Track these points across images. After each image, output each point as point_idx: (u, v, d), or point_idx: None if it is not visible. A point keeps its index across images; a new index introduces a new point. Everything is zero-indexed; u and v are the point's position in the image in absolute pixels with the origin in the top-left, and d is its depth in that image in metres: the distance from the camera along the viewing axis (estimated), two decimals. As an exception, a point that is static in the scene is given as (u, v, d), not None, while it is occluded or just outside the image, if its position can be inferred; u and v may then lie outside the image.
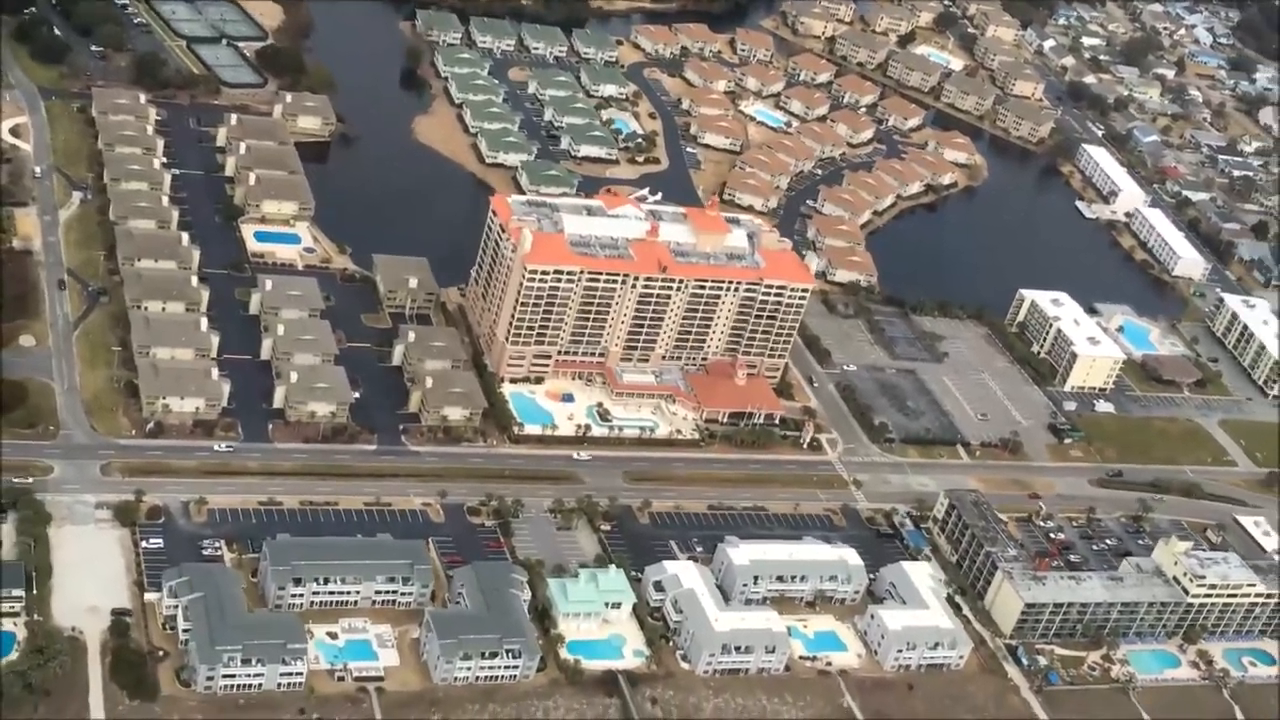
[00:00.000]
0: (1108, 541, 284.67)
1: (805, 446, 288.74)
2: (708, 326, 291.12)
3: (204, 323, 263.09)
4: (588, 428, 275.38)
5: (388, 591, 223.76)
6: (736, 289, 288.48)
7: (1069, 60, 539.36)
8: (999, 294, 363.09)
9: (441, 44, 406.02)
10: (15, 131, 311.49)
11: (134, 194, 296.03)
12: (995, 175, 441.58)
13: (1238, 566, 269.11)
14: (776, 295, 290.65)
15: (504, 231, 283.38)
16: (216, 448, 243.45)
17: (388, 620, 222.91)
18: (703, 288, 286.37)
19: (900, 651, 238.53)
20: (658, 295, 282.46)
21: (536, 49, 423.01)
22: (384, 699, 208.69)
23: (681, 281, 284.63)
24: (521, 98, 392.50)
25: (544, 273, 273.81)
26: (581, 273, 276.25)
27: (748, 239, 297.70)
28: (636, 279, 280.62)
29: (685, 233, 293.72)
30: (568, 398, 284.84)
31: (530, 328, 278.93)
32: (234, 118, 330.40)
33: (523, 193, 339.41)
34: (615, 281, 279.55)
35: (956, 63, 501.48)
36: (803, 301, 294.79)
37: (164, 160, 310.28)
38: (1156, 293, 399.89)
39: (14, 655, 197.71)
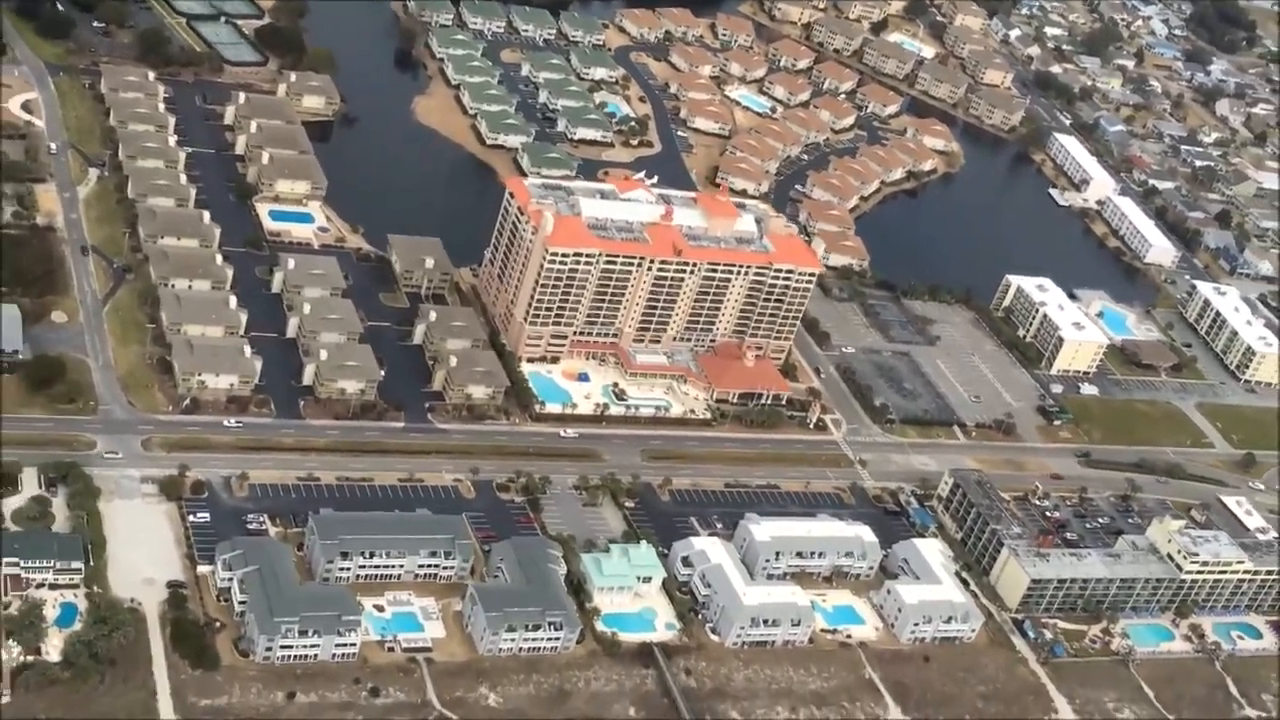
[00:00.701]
0: (1100, 520, 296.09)
1: (812, 427, 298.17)
2: (718, 309, 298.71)
3: (233, 300, 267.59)
4: (606, 407, 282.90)
5: (430, 565, 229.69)
6: (746, 272, 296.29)
7: (1034, 50, 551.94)
8: (980, 278, 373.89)
9: (435, 25, 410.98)
10: (27, 107, 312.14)
11: (151, 172, 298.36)
12: (971, 162, 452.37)
13: (1228, 544, 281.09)
14: (785, 279, 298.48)
15: (522, 214, 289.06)
16: (226, 423, 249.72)
17: (430, 593, 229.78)
18: (714, 271, 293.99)
19: (916, 625, 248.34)
20: (672, 278, 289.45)
21: (526, 31, 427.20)
22: (433, 669, 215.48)
23: (695, 265, 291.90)
24: (515, 79, 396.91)
25: (564, 255, 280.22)
26: (600, 255, 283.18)
27: (756, 224, 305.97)
28: (652, 262, 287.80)
29: (696, 217, 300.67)
30: (583, 377, 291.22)
31: (549, 308, 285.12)
32: (242, 96, 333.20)
33: (524, 174, 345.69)
34: (632, 264, 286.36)
35: (928, 51, 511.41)
36: (809, 285, 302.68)
37: (176, 138, 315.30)
38: (1129, 279, 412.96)
39: (78, 626, 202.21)
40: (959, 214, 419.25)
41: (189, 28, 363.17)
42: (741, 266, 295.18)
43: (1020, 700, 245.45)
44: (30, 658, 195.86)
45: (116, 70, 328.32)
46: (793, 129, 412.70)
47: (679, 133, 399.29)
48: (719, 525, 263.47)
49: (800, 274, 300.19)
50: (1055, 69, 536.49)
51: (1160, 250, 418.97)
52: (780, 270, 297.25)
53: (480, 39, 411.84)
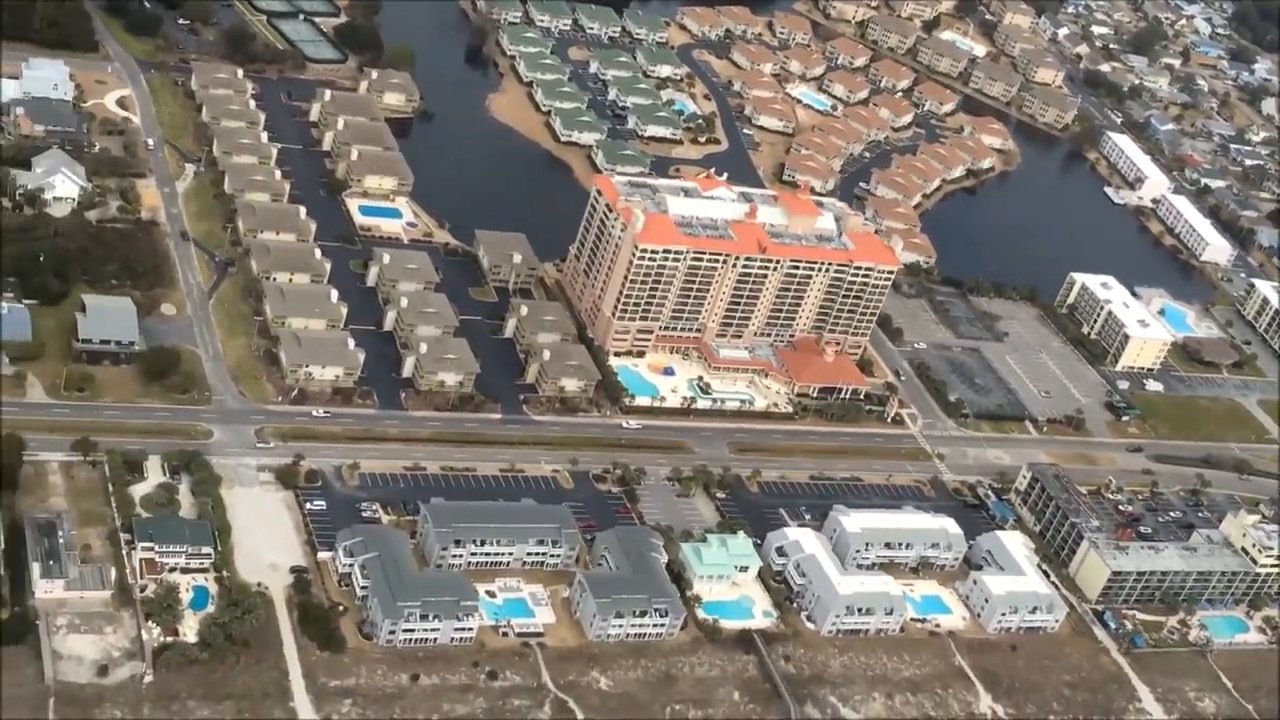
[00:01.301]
0: (1171, 514, 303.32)
1: (889, 421, 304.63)
2: (798, 305, 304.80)
3: (334, 294, 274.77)
4: (693, 400, 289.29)
5: (538, 553, 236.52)
6: (827, 270, 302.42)
7: (1083, 49, 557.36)
8: (1041, 275, 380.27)
9: (504, 23, 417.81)
10: (122, 103, 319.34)
11: (246, 167, 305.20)
12: (1027, 161, 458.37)
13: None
14: (864, 276, 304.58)
15: (611, 210, 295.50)
16: (315, 413, 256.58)
17: (538, 580, 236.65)
18: (796, 268, 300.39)
19: (1003, 615, 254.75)
20: (755, 274, 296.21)
21: (592, 29, 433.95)
22: (546, 654, 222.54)
23: (777, 262, 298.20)
24: (584, 77, 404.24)
25: (653, 252, 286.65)
26: (687, 252, 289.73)
27: (835, 222, 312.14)
28: (737, 259, 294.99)
29: (778, 215, 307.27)
30: (668, 371, 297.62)
31: (636, 304, 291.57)
32: (327, 93, 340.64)
33: (599, 171, 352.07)
34: (717, 261, 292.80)
35: (979, 49, 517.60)
36: (888, 282, 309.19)
37: (267, 134, 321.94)
38: (1185, 277, 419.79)
39: (211, 608, 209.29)
40: (1017, 212, 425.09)
41: (270, 25, 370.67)
42: (822, 264, 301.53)
43: (1104, 689, 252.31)
44: (169, 638, 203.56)
45: (206, 67, 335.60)
46: (855, 127, 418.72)
47: (744, 130, 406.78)
48: (807, 516, 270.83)
49: (879, 271, 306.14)
50: (1104, 68, 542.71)
51: (1216, 248, 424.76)
52: (860, 268, 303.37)
53: (548, 36, 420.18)
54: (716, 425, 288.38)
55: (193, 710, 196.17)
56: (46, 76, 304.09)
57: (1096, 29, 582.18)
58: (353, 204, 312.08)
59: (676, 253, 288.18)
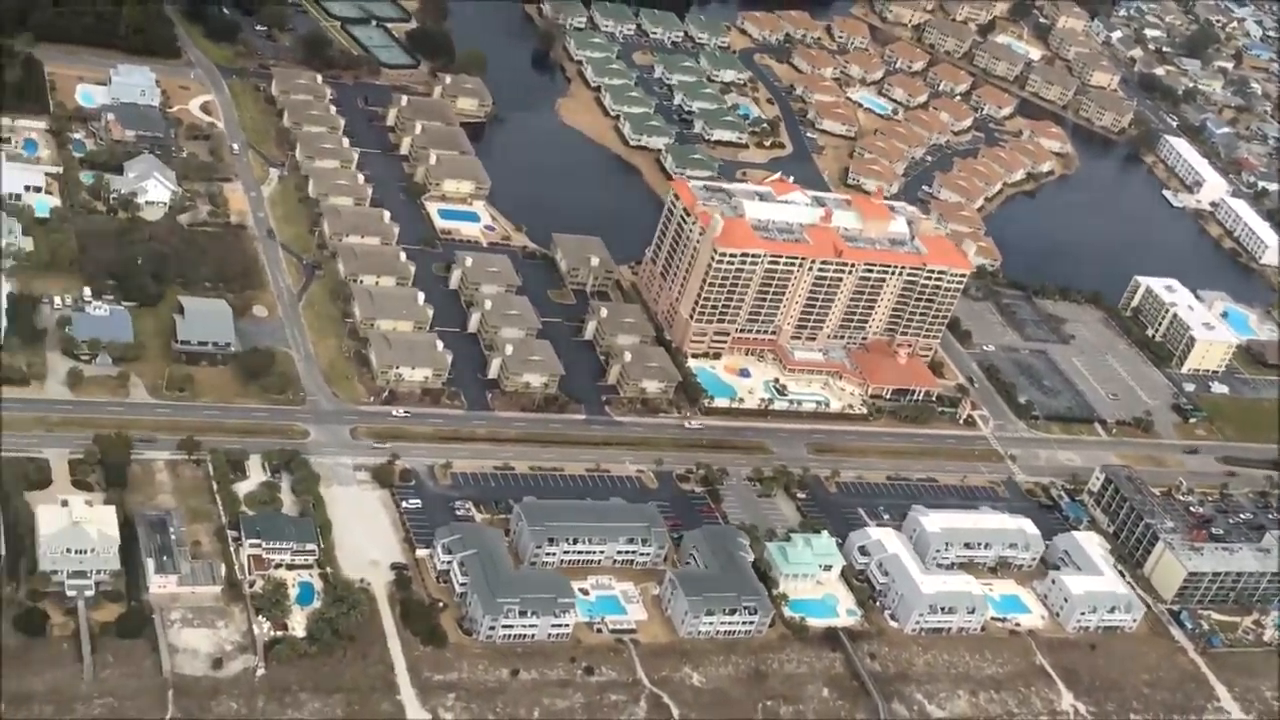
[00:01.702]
0: (1241, 515, 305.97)
1: (961, 422, 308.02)
2: (872, 308, 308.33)
3: (420, 296, 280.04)
4: (770, 401, 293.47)
5: (628, 551, 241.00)
6: (901, 273, 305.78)
7: (1136, 52, 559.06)
8: (1103, 278, 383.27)
9: (570, 28, 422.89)
10: (206, 109, 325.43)
11: (329, 172, 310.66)
12: (1085, 164, 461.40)
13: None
14: (937, 280, 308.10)
15: (688, 214, 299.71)
16: (395, 413, 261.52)
17: (628, 578, 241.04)
18: (870, 271, 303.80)
19: (1082, 614, 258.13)
20: (830, 278, 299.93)
21: (655, 34, 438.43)
22: (640, 650, 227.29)
23: (852, 265, 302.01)
24: (649, 81, 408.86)
25: (732, 255, 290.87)
26: (764, 256, 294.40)
27: (908, 225, 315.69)
28: (813, 262, 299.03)
29: (852, 218, 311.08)
30: (744, 373, 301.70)
31: (714, 306, 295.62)
32: (403, 98, 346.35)
33: (668, 175, 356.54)
34: (793, 264, 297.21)
35: (1034, 53, 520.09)
36: (960, 286, 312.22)
37: (347, 139, 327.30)
38: (1245, 280, 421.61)
39: (317, 604, 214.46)
40: (1077, 215, 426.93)
41: (344, 31, 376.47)
42: (896, 267, 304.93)
43: (1183, 688, 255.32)
44: (279, 633, 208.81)
45: (286, 73, 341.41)
46: (916, 130, 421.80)
47: (807, 134, 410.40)
48: (885, 516, 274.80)
49: (952, 275, 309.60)
50: (1158, 71, 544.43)
51: (1276, 251, 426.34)
52: (933, 271, 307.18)
53: (613, 41, 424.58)
54: (793, 426, 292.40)
55: (304, 703, 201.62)
56: (134, 83, 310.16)
57: (1149, 32, 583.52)
58: (432, 207, 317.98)
59: (754, 256, 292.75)
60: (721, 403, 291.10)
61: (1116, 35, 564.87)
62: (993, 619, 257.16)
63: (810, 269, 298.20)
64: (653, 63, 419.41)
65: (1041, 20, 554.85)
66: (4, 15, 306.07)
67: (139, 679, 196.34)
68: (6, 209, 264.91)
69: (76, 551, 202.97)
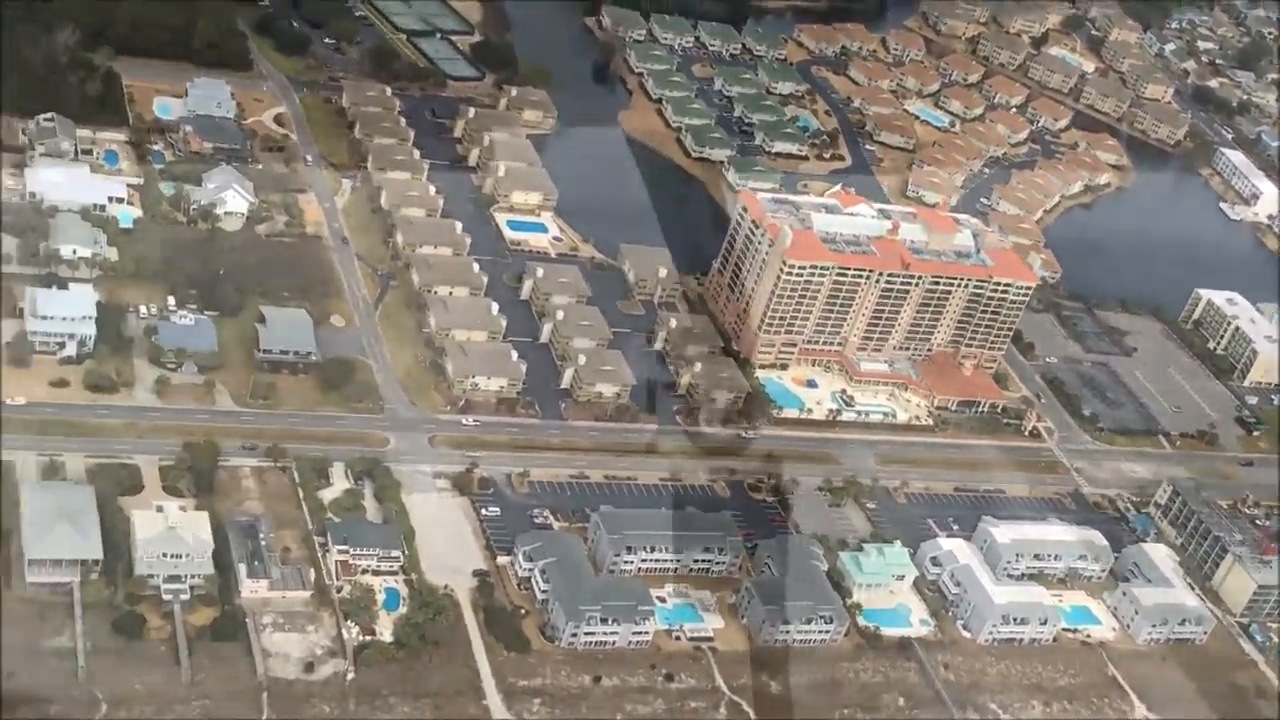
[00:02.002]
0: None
1: (1027, 434, 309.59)
2: (937, 320, 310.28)
3: (494, 306, 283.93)
4: (838, 412, 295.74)
5: (704, 560, 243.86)
6: (967, 285, 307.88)
7: (1190, 64, 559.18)
8: (1162, 291, 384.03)
9: (630, 40, 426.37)
10: (279, 121, 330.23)
11: (401, 183, 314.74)
12: (1140, 176, 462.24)
13: None
14: (1002, 292, 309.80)
15: (757, 226, 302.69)
16: (465, 422, 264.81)
17: (704, 586, 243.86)
18: (937, 284, 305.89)
19: (1154, 626, 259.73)
20: (897, 290, 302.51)
21: (713, 46, 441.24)
22: (718, 658, 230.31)
23: (920, 278, 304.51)
24: (709, 94, 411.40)
25: (801, 267, 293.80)
26: (833, 268, 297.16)
27: (973, 238, 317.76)
28: (880, 275, 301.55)
29: (918, 231, 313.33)
30: (811, 384, 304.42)
31: (782, 318, 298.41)
32: (470, 110, 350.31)
33: (731, 187, 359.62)
34: (861, 276, 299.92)
35: (1088, 65, 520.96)
36: (1025, 298, 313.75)
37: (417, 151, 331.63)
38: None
39: (402, 609, 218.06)
40: (1135, 227, 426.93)
41: (410, 44, 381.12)
42: (962, 280, 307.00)
43: (1254, 701, 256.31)
44: (367, 637, 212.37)
45: (355, 85, 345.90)
46: (974, 143, 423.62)
47: (866, 146, 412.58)
48: (955, 527, 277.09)
49: (1017, 288, 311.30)
50: (1211, 83, 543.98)
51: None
52: (999, 284, 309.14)
53: (673, 54, 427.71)
54: (861, 437, 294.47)
55: (394, 707, 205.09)
56: (210, 95, 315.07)
57: (1202, 44, 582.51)
58: (501, 219, 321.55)
59: (823, 268, 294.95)
60: (790, 413, 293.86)
61: (1169, 48, 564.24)
62: (1064, 630, 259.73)
63: (877, 281, 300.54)
64: (712, 75, 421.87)
65: (1094, 33, 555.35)
66: (84, 30, 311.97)
67: (234, 682, 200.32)
68: (91, 219, 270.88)
69: (172, 556, 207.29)
